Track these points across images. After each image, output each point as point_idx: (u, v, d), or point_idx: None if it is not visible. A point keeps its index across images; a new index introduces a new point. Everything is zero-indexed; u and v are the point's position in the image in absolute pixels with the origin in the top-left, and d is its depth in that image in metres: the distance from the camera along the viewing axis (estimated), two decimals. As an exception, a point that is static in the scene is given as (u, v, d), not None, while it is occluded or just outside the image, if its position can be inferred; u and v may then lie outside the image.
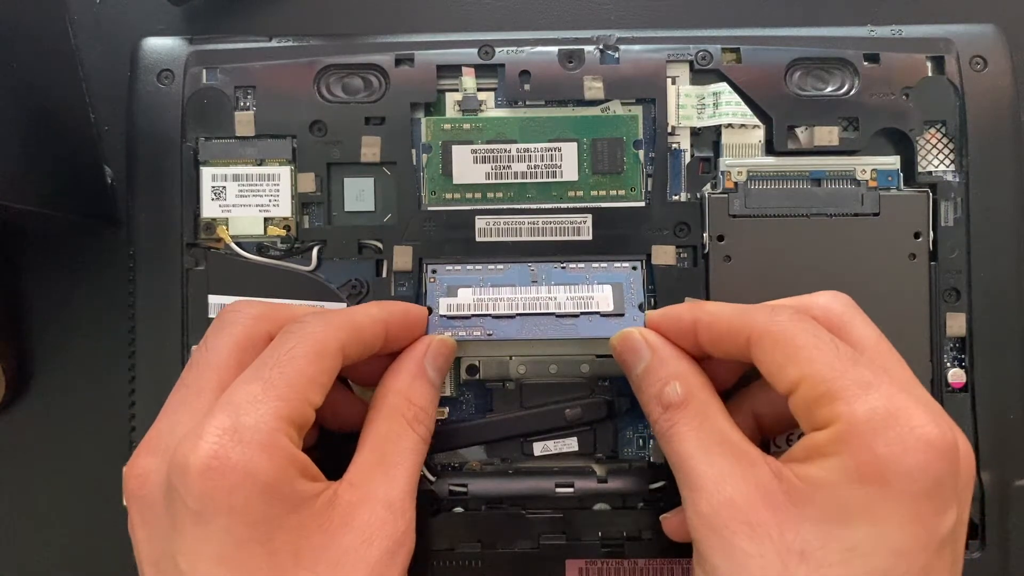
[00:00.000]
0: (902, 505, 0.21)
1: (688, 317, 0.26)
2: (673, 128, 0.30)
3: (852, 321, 0.25)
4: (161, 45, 0.31)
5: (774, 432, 0.28)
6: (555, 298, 0.29)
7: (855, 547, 0.21)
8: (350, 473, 0.24)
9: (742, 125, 0.30)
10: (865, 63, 0.30)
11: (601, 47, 0.30)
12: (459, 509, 0.29)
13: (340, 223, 0.30)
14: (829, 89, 0.30)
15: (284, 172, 0.30)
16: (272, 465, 0.22)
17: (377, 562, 0.23)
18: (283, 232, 0.30)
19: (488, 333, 0.29)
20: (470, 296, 0.29)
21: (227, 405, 0.22)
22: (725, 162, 0.30)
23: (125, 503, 0.23)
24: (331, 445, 0.27)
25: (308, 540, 0.22)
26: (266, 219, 0.30)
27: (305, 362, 0.23)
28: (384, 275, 0.30)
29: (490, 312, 0.29)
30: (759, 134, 0.30)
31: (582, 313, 0.29)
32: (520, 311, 0.29)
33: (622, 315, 0.29)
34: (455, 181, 0.30)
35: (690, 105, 0.30)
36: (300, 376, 0.23)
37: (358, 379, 0.28)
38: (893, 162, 0.30)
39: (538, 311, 0.29)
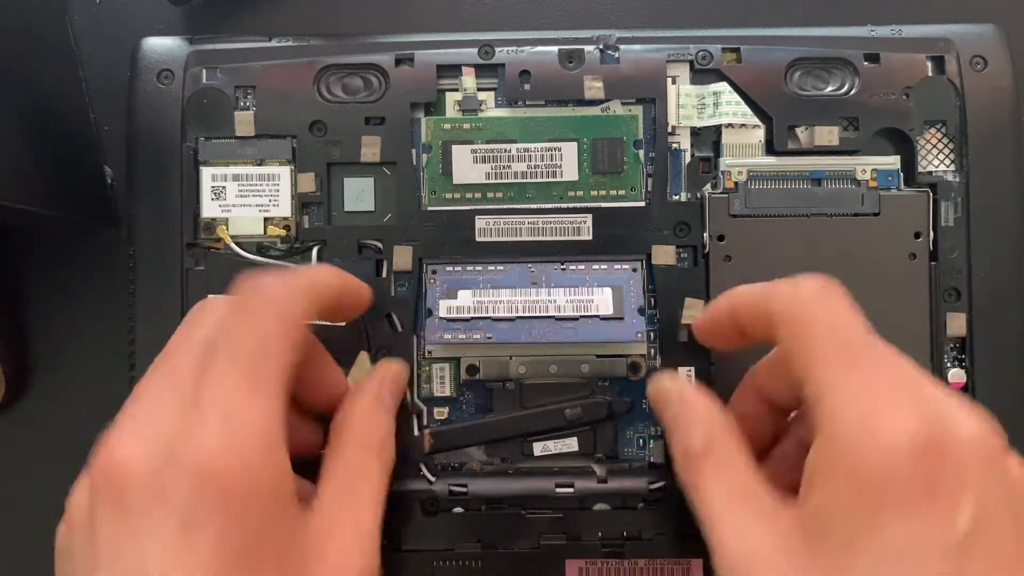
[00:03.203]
0: (904, 515, 0.20)
1: (724, 305, 0.25)
2: (673, 128, 0.30)
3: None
4: (161, 45, 0.31)
5: (791, 407, 0.26)
6: (554, 301, 0.29)
7: (875, 572, 0.20)
8: (321, 500, 0.23)
9: (742, 125, 0.30)
10: (865, 63, 0.30)
11: (601, 47, 0.30)
12: (459, 509, 0.29)
13: (340, 223, 0.30)
14: (829, 89, 0.30)
15: (284, 172, 0.30)
16: (271, 472, 0.20)
17: None
18: (283, 232, 0.30)
19: (488, 336, 0.29)
20: (470, 298, 0.29)
21: (218, 401, 0.21)
22: (725, 162, 0.30)
23: (92, 488, 0.21)
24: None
25: (287, 563, 0.21)
26: (266, 219, 0.30)
27: (280, 343, 0.22)
28: (384, 275, 0.30)
29: (490, 315, 0.29)
30: (759, 134, 0.30)
31: (581, 316, 0.29)
32: (520, 314, 0.29)
33: (621, 319, 0.29)
34: (455, 181, 0.30)
35: (690, 105, 0.30)
36: (279, 362, 0.22)
37: (309, 404, 0.27)
38: (893, 162, 0.30)
39: (537, 314, 0.29)
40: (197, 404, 0.21)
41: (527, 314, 0.29)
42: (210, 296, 0.26)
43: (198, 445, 0.20)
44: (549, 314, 0.29)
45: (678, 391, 0.25)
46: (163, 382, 0.22)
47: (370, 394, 0.26)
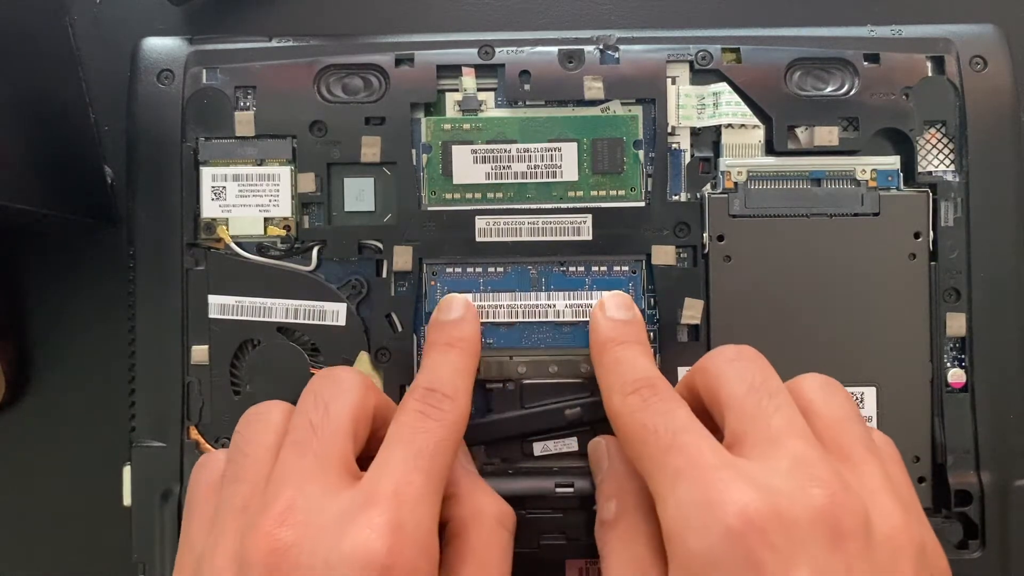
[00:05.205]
0: None
1: (688, 379, 0.26)
2: (673, 128, 0.30)
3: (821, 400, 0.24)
4: (161, 45, 0.31)
5: None
6: (554, 306, 0.29)
7: None
8: None
9: (742, 125, 0.30)
10: (865, 63, 0.30)
11: (601, 47, 0.30)
12: (459, 509, 0.29)
13: (340, 223, 0.30)
14: (829, 89, 0.30)
15: (284, 172, 0.30)
16: (429, 570, 0.21)
17: None
18: (283, 232, 0.30)
19: (488, 341, 0.29)
20: None
21: (393, 499, 0.21)
22: (725, 162, 0.30)
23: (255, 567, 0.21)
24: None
25: None
26: (266, 219, 0.30)
27: (451, 450, 0.24)
28: (384, 275, 0.30)
29: (490, 320, 0.29)
30: (759, 134, 0.30)
31: (580, 322, 0.29)
32: (519, 319, 0.29)
33: None
34: (455, 181, 0.30)
35: (690, 105, 0.30)
36: (447, 468, 0.23)
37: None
38: (893, 162, 0.30)
39: (537, 319, 0.29)
40: (372, 501, 0.21)
41: (527, 319, 0.29)
42: (340, 368, 0.26)
43: (372, 544, 0.20)
44: (548, 319, 0.29)
45: (610, 456, 0.27)
46: (309, 462, 0.23)
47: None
